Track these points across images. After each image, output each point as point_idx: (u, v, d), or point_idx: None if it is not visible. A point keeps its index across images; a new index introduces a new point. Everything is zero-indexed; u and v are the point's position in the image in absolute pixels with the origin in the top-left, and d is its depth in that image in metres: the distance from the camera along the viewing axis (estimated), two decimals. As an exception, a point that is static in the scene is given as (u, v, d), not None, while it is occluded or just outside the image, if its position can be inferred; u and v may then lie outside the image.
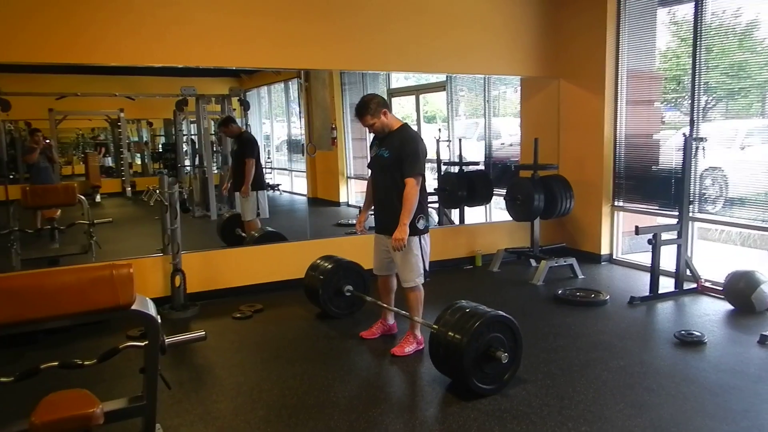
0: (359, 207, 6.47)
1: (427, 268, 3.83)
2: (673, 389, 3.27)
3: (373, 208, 3.97)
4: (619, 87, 6.00)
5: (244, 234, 6.21)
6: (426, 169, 3.76)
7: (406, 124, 3.78)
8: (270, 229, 6.13)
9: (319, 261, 4.69)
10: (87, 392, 2.21)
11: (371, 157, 3.89)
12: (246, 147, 6.28)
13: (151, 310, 2.44)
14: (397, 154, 3.64)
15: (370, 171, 3.97)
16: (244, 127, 7.62)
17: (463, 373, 3.13)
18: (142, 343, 2.48)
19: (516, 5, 6.12)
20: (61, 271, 2.48)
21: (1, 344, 3.98)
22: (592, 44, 6.01)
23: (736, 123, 5.41)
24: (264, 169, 8.64)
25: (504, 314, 3.27)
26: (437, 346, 3.29)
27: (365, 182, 4.14)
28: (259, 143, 6.70)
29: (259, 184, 6.45)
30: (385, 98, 8.74)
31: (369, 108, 3.61)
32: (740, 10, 4.98)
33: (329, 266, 4.55)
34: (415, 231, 3.69)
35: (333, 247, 5.10)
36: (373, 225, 3.98)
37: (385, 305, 4.11)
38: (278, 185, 8.75)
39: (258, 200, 6.33)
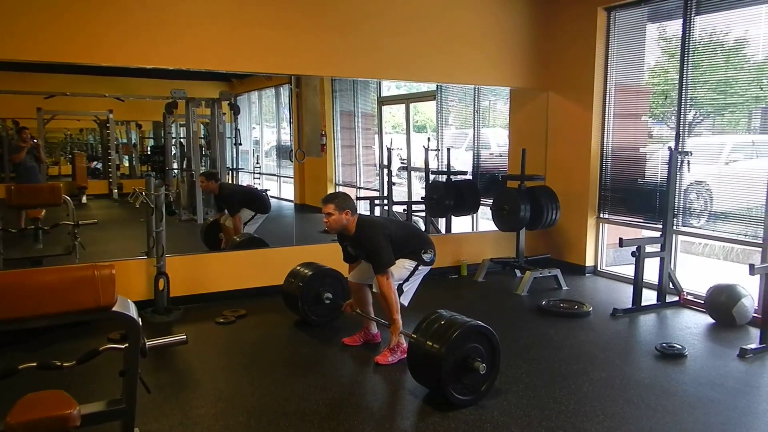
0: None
1: (410, 297, 3.99)
2: (653, 402, 3.29)
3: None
4: (607, 100, 6.06)
5: (222, 240, 6.21)
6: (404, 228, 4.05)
7: (359, 222, 3.80)
8: (253, 234, 6.11)
9: (298, 268, 4.67)
10: (64, 394, 2.19)
11: (346, 252, 4.05)
12: (228, 204, 6.28)
13: (132, 312, 2.43)
14: (367, 254, 3.83)
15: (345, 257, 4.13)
16: (234, 131, 7.62)
17: (440, 383, 3.13)
18: (123, 346, 2.47)
19: (507, 18, 6.18)
20: (42, 270, 2.45)
21: (-20, 344, 3.94)
22: (582, 58, 6.08)
23: (722, 138, 5.48)
24: (253, 176, 8.67)
25: (482, 324, 3.28)
26: (415, 356, 3.28)
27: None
28: (241, 192, 6.89)
29: (263, 207, 6.55)
30: (379, 109, 8.81)
31: (336, 199, 3.74)
32: (728, 27, 5.06)
33: (309, 273, 4.53)
34: (418, 259, 3.90)
35: (318, 253, 5.09)
36: None
37: (364, 314, 4.13)
38: (266, 191, 8.73)
39: (254, 218, 6.34)
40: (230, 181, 7.77)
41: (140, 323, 2.40)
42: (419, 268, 3.93)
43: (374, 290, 3.86)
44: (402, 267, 3.86)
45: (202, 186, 6.61)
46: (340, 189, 9.10)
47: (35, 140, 7.17)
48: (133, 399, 2.55)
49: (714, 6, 5.11)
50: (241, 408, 3.19)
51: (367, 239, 3.74)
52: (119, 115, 8.54)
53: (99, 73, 6.16)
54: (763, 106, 4.94)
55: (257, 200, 6.67)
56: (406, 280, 3.90)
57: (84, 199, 8.32)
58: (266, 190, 8.65)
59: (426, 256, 3.92)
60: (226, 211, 6.30)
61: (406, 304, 3.95)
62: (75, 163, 8.77)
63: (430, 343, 3.17)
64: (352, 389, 3.50)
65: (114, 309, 2.33)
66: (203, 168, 7.81)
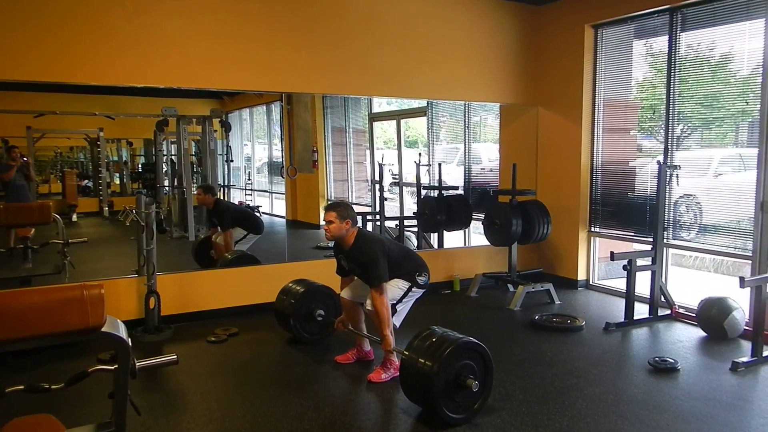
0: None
1: (402, 318, 3.97)
2: (646, 417, 3.28)
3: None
4: (596, 115, 6.12)
5: (214, 257, 6.18)
6: (397, 252, 3.94)
7: (358, 235, 3.82)
8: (245, 251, 6.09)
9: (290, 285, 4.64)
10: (52, 417, 2.16)
11: (339, 265, 4.04)
12: (221, 219, 6.30)
13: (122, 332, 2.40)
14: (362, 268, 3.83)
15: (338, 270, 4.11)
16: (225, 148, 7.62)
17: (432, 401, 3.10)
18: (112, 367, 2.43)
19: (496, 34, 6.24)
20: (29, 291, 2.43)
21: (-33, 367, 3.89)
22: (570, 73, 6.14)
23: (710, 152, 5.54)
24: (245, 192, 8.65)
25: (475, 341, 3.27)
26: (407, 373, 3.26)
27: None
28: (235, 210, 6.88)
29: (256, 228, 6.55)
30: (370, 125, 8.84)
31: (339, 208, 3.77)
32: (714, 43, 5.13)
33: (300, 290, 4.51)
34: (412, 281, 3.91)
35: (311, 270, 5.07)
36: None
37: (356, 331, 4.11)
38: (258, 207, 8.71)
39: (245, 237, 6.34)
40: (222, 198, 7.74)
41: (130, 344, 2.38)
42: (412, 289, 3.93)
43: (367, 308, 3.85)
44: (395, 287, 3.86)
45: (198, 199, 6.58)
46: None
47: (25, 159, 7.12)
48: (122, 421, 2.51)
49: (698, 23, 5.19)
50: (233, 429, 3.16)
51: (365, 253, 3.74)
52: (110, 133, 8.52)
53: (89, 92, 6.15)
54: (750, 120, 5.00)
55: (251, 220, 6.66)
56: (399, 300, 3.89)
57: (74, 218, 8.26)
58: (258, 206, 8.65)
59: (420, 279, 3.94)
60: (218, 227, 6.28)
61: (398, 325, 3.93)
62: (65, 181, 8.72)
63: (423, 360, 3.15)
64: (345, 408, 3.47)
65: (103, 330, 2.30)
66: (195, 185, 7.80)
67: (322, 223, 3.79)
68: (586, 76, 6.04)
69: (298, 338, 4.50)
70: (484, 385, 3.24)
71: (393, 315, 3.86)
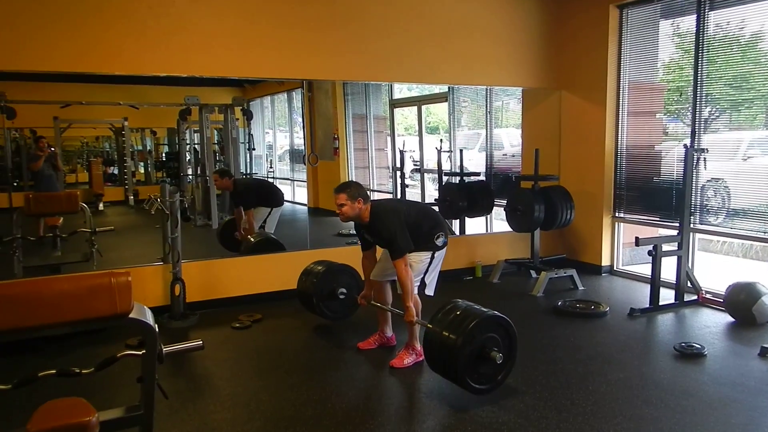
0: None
1: (434, 286, 3.98)
2: (672, 402, 3.25)
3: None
4: (620, 98, 6.01)
5: (239, 237, 6.24)
6: (421, 214, 3.96)
7: (373, 209, 3.78)
8: (270, 234, 6.13)
9: (311, 266, 4.70)
10: (83, 401, 2.21)
11: (363, 239, 4.00)
12: (243, 199, 6.36)
13: (149, 318, 2.44)
14: (383, 240, 3.80)
15: (361, 246, 4.08)
16: (247, 136, 7.66)
17: (457, 373, 3.16)
18: (140, 352, 2.48)
19: (518, 17, 6.15)
20: (59, 278, 2.48)
21: (1, 352, 3.99)
22: (594, 56, 6.03)
23: (739, 134, 5.41)
24: (268, 179, 8.71)
25: (498, 314, 3.30)
26: (431, 345, 3.31)
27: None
28: (253, 186, 7.00)
29: (275, 200, 6.59)
30: (391, 112, 8.81)
31: (348, 189, 3.71)
32: (744, 22, 4.99)
33: (322, 269, 4.57)
34: (431, 247, 3.87)
35: (333, 256, 5.09)
36: None
37: (379, 305, 4.09)
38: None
39: (270, 214, 6.38)
40: (240, 177, 7.78)
41: (157, 330, 2.42)
42: (435, 255, 3.91)
43: (399, 291, 3.84)
44: (419, 261, 3.85)
45: (216, 184, 6.65)
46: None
47: (52, 149, 7.25)
48: (151, 405, 2.56)
49: (728, 1, 5.05)
50: (257, 413, 3.20)
51: (384, 227, 3.72)
52: (134, 123, 8.61)
53: (114, 82, 6.23)
54: (781, 101, 4.87)
55: (270, 193, 6.72)
56: (426, 271, 3.89)
57: (101, 207, 8.40)
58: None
59: (439, 241, 3.89)
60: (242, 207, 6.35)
61: (432, 294, 3.95)
62: (91, 171, 8.86)
63: (447, 333, 3.20)
64: (368, 393, 3.50)
65: (131, 316, 2.34)
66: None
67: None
68: (611, 59, 5.93)
69: (321, 316, 4.56)
70: (508, 357, 3.27)
71: (424, 289, 3.88)
